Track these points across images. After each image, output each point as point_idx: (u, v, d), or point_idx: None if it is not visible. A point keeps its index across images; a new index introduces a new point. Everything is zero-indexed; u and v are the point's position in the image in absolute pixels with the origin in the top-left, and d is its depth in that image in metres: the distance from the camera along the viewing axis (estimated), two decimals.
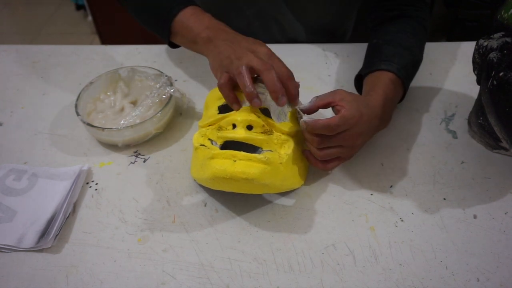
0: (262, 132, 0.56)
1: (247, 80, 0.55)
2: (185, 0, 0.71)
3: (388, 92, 0.64)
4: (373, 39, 0.74)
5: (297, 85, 0.59)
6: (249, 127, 0.56)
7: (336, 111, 0.57)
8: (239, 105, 0.58)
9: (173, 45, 0.75)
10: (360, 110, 0.57)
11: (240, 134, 0.55)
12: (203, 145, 0.58)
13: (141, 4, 0.75)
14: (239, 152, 0.53)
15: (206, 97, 0.66)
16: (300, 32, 0.89)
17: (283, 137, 0.58)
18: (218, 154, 0.54)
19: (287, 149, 0.57)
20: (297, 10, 0.85)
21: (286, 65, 0.59)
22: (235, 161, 0.53)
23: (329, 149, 0.58)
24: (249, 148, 0.55)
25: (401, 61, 0.67)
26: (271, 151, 0.56)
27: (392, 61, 0.67)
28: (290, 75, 0.58)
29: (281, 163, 0.55)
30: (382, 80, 0.65)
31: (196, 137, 0.59)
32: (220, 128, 0.58)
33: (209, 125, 0.60)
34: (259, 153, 0.55)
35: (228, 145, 0.56)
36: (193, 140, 0.59)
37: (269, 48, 0.61)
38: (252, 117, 0.56)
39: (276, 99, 0.56)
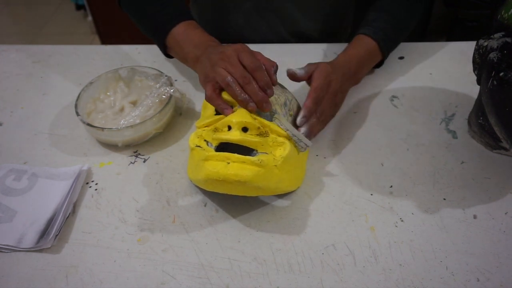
0: (257, 134, 0.56)
1: (236, 89, 0.57)
2: (181, 12, 0.73)
3: (355, 52, 0.72)
4: (368, 7, 0.80)
5: (269, 74, 0.59)
6: (245, 129, 0.56)
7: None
8: (230, 110, 0.58)
9: (171, 56, 0.78)
10: (329, 78, 0.65)
11: (235, 136, 0.55)
12: (198, 146, 0.58)
13: (139, 15, 0.78)
14: (233, 154, 0.53)
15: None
16: (300, 23, 0.89)
17: (279, 139, 0.57)
18: (212, 156, 0.54)
19: (283, 151, 0.56)
20: (297, 0, 0.85)
21: (255, 57, 0.59)
22: (228, 163, 0.53)
23: (321, 122, 0.65)
24: (244, 150, 0.55)
25: (380, 25, 0.74)
26: (266, 153, 0.56)
27: (371, 25, 0.74)
28: (258, 66, 0.58)
29: (275, 165, 0.55)
30: (355, 42, 0.73)
31: (192, 138, 0.59)
32: (216, 130, 0.58)
33: (205, 126, 0.60)
34: (254, 155, 0.55)
35: (224, 146, 0.56)
36: (189, 141, 0.59)
37: (241, 45, 0.61)
38: (247, 119, 0.56)
39: (261, 108, 0.57)
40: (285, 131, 0.58)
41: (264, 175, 0.53)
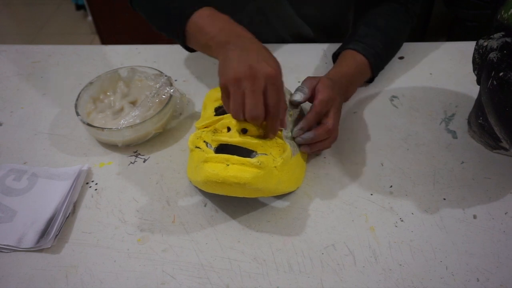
0: (257, 136, 0.56)
1: (240, 116, 0.54)
2: (200, 1, 0.67)
3: (347, 69, 0.70)
4: (356, 21, 0.79)
5: (283, 119, 0.57)
6: (244, 131, 0.56)
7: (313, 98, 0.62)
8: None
9: (191, 49, 0.71)
10: (332, 90, 0.62)
11: (234, 137, 0.55)
12: (198, 147, 0.57)
13: (153, 9, 0.72)
14: (232, 156, 0.53)
15: (204, 97, 0.66)
16: (302, 26, 0.89)
17: (279, 140, 0.57)
18: (211, 158, 0.54)
19: (283, 152, 0.56)
20: (297, 3, 0.85)
21: (280, 97, 0.55)
22: (228, 165, 0.53)
23: (319, 143, 0.62)
24: (244, 151, 0.55)
25: (370, 41, 0.73)
26: (266, 154, 0.55)
27: (361, 41, 0.73)
28: (276, 113, 0.55)
29: (275, 167, 0.55)
30: (345, 58, 0.72)
31: (191, 139, 0.59)
32: (215, 131, 0.57)
33: (205, 127, 0.60)
34: (253, 157, 0.55)
35: (223, 148, 0.56)
36: (189, 142, 0.59)
37: (276, 69, 0.54)
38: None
39: (270, 137, 0.56)
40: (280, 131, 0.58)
41: (264, 177, 0.53)
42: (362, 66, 0.72)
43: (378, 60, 0.74)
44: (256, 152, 0.56)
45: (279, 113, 0.55)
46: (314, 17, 0.88)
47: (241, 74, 0.52)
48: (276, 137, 0.57)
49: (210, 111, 0.61)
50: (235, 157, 0.53)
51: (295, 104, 0.62)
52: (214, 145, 0.57)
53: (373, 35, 0.74)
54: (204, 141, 0.58)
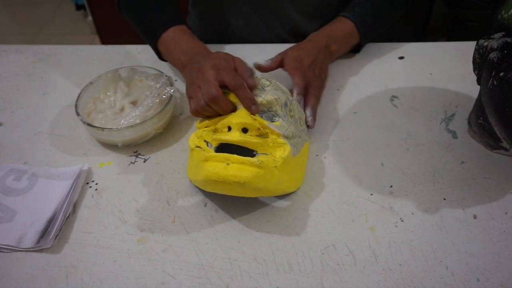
0: (257, 135, 0.56)
1: (223, 106, 0.58)
2: (172, 17, 0.75)
3: (327, 27, 0.77)
4: None
5: (248, 84, 0.60)
6: (245, 130, 0.56)
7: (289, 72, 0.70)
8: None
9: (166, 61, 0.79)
10: (300, 57, 0.70)
11: (234, 137, 0.55)
12: (198, 146, 0.57)
13: (136, 21, 0.80)
14: (232, 155, 0.53)
15: None
16: (299, 23, 0.89)
17: (279, 140, 0.57)
18: (211, 156, 0.54)
19: (283, 152, 0.56)
20: (294, 0, 0.85)
21: (234, 74, 0.60)
22: (228, 164, 0.53)
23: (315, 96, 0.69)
24: (244, 151, 0.55)
25: (360, 10, 0.78)
26: (266, 154, 0.56)
27: (351, 10, 0.79)
28: (239, 84, 0.58)
29: (275, 166, 0.55)
30: (334, 22, 0.78)
31: (192, 138, 0.59)
32: (216, 130, 0.58)
33: (205, 127, 0.60)
34: (254, 156, 0.55)
35: (224, 147, 0.56)
36: (189, 141, 0.59)
37: (220, 58, 0.61)
38: (247, 120, 0.56)
39: (249, 109, 0.58)
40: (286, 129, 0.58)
41: (264, 176, 0.53)
42: (348, 28, 0.77)
43: (366, 27, 0.78)
44: (256, 151, 0.56)
45: (242, 85, 0.58)
46: (313, 12, 0.88)
47: (194, 83, 0.61)
48: (276, 137, 0.57)
49: None
50: (235, 156, 0.53)
51: (255, 66, 0.70)
52: (214, 144, 0.57)
53: (363, 5, 0.79)
54: (205, 141, 0.58)
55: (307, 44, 0.74)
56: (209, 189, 0.57)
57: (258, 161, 0.53)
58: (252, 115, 0.57)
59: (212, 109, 0.59)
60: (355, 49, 0.82)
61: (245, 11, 0.87)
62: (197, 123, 0.63)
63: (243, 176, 0.52)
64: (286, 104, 0.61)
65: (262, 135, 0.56)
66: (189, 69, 0.65)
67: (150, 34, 0.76)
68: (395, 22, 0.84)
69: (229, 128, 0.56)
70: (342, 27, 0.77)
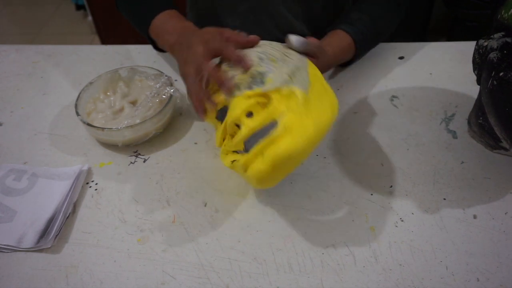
0: (263, 109, 0.52)
1: (218, 77, 0.56)
2: (161, 3, 0.74)
3: (332, 50, 0.73)
4: (351, 6, 0.83)
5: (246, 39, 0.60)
6: (249, 114, 0.53)
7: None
8: (202, 113, 0.58)
9: (163, 50, 0.78)
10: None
11: (246, 130, 0.52)
12: (234, 161, 0.56)
13: (131, 15, 0.79)
14: (259, 144, 0.50)
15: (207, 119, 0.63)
16: (294, 25, 0.89)
17: (283, 92, 0.52)
18: (248, 160, 0.52)
19: (296, 99, 0.52)
20: (288, 2, 0.85)
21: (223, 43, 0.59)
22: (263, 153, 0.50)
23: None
24: (266, 129, 0.52)
25: (361, 27, 0.76)
26: (282, 116, 0.51)
27: (354, 25, 0.76)
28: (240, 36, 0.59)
29: (299, 112, 0.51)
30: (335, 37, 0.76)
31: (223, 158, 0.58)
32: (232, 135, 0.56)
33: (223, 140, 0.58)
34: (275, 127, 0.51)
35: (250, 140, 0.53)
36: (224, 163, 0.58)
37: (209, 33, 0.61)
38: (242, 106, 0.52)
39: (244, 66, 0.55)
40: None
41: (298, 131, 0.50)
42: (347, 48, 0.76)
43: (363, 46, 0.78)
44: (275, 120, 0.51)
45: (228, 44, 0.57)
46: (306, 15, 0.88)
47: (185, 72, 0.60)
48: (278, 94, 0.52)
49: (218, 125, 0.59)
50: (261, 141, 0.50)
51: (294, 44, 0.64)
52: (241, 148, 0.56)
53: (364, 22, 0.77)
54: (233, 151, 0.57)
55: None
56: (279, 175, 0.55)
57: (285, 127, 0.50)
58: (243, 98, 0.53)
59: (207, 87, 0.57)
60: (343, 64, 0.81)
61: (241, 12, 0.87)
62: (216, 144, 0.60)
63: (287, 147, 0.49)
64: (262, 59, 0.57)
65: (266, 104, 0.52)
66: (178, 48, 0.64)
67: (142, 24, 0.75)
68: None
69: (238, 126, 0.54)
70: (344, 48, 0.76)
